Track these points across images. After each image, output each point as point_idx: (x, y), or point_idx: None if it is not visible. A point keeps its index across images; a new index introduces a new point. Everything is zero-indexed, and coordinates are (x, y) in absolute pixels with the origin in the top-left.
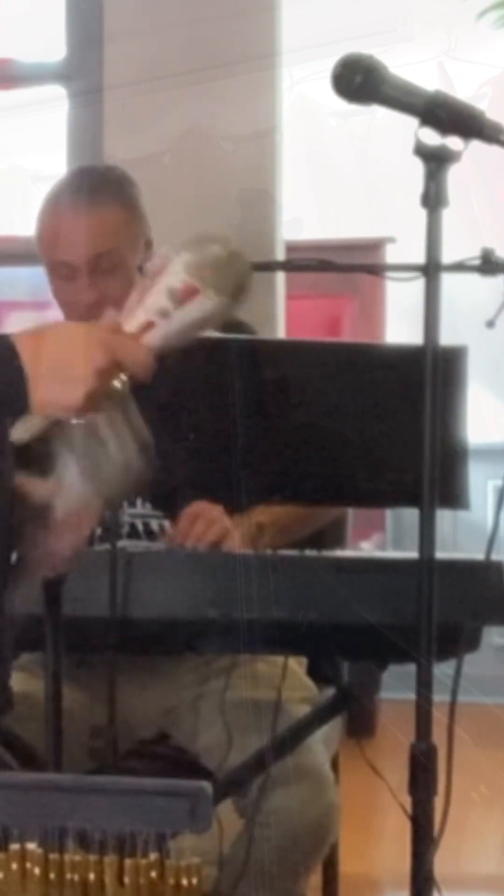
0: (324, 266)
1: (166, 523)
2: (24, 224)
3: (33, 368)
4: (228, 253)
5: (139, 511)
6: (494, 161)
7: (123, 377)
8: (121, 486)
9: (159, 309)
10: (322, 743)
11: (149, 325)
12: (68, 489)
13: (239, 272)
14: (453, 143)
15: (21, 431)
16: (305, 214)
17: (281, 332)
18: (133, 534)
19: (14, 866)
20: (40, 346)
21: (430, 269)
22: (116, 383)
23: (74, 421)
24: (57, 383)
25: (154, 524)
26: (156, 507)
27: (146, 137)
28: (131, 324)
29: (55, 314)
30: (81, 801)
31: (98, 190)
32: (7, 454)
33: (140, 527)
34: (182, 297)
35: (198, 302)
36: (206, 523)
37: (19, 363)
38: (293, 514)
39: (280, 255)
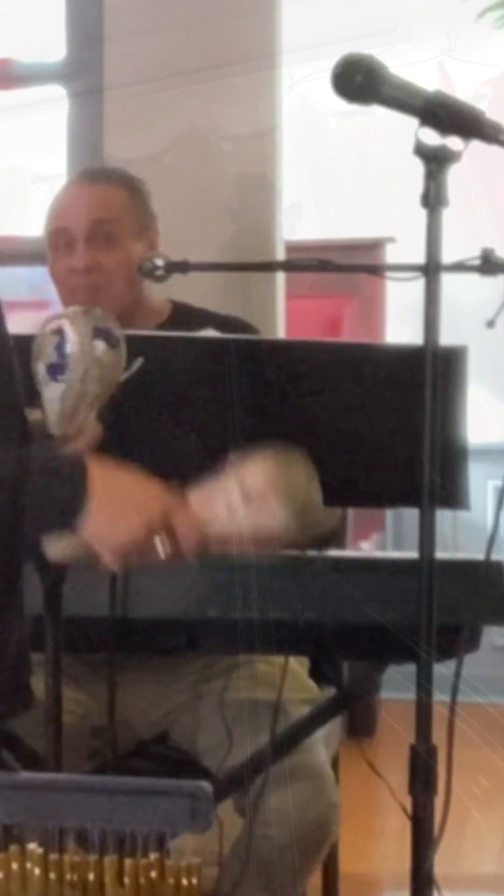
0: (324, 266)
1: None
2: (24, 224)
3: (95, 499)
4: (308, 476)
5: None
6: (494, 161)
7: (167, 545)
8: (90, 373)
9: (229, 504)
10: (322, 743)
11: (214, 517)
12: None
13: (310, 497)
14: (453, 143)
15: (55, 548)
16: (306, 214)
17: (281, 332)
18: None
19: (14, 866)
20: (110, 483)
21: (430, 269)
22: (159, 546)
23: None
24: (108, 522)
25: None
26: None
27: (146, 137)
28: (200, 503)
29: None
30: (81, 801)
31: (106, 173)
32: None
33: None
34: (254, 500)
35: (272, 516)
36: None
37: (85, 486)
38: None
39: (280, 256)
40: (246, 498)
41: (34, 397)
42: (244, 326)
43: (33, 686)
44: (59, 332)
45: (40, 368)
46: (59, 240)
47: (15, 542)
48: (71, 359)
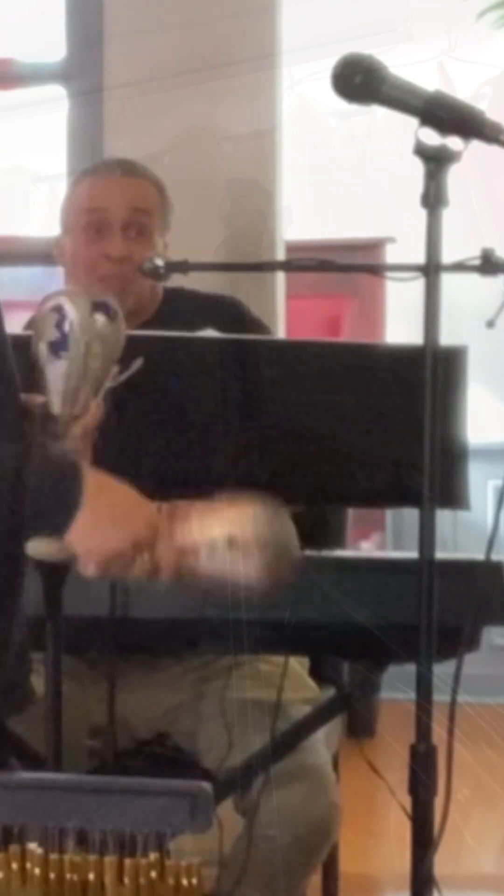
0: (324, 266)
1: None
2: (24, 224)
3: (87, 503)
4: (292, 542)
5: None
6: (494, 161)
7: (147, 563)
8: (92, 347)
9: (212, 543)
10: (322, 743)
11: (195, 551)
12: None
13: (291, 558)
14: (453, 143)
15: (37, 547)
16: (306, 214)
17: (281, 332)
18: None
19: (14, 866)
20: (103, 492)
21: (430, 269)
22: (138, 563)
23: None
24: (94, 529)
25: None
26: None
27: (146, 137)
28: (183, 534)
29: None
30: (81, 801)
31: (140, 168)
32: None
33: None
34: (238, 546)
35: (250, 566)
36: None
37: (79, 491)
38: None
39: (280, 255)
40: (231, 543)
41: (35, 384)
42: (233, 304)
43: (33, 684)
44: (59, 308)
45: (42, 348)
46: (91, 222)
47: (15, 540)
48: (72, 334)
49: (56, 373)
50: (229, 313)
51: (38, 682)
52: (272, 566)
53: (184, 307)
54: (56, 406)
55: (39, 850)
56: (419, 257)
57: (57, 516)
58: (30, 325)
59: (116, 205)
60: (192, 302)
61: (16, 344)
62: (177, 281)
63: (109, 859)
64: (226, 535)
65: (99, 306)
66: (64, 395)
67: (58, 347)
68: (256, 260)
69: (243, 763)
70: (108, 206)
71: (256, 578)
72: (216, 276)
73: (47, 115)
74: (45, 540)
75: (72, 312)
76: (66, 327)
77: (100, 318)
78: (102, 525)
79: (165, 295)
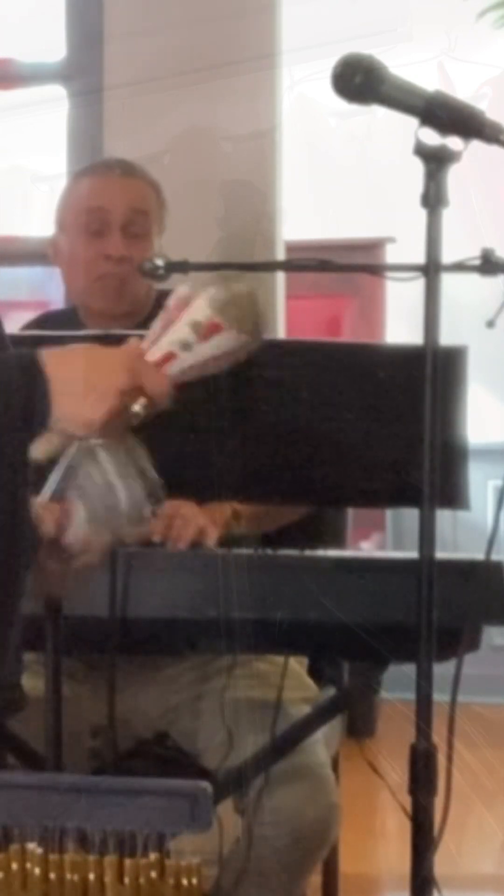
0: (324, 266)
1: None
2: (24, 224)
3: (57, 384)
4: (251, 293)
5: None
6: (494, 161)
7: (143, 402)
8: (127, 532)
9: (182, 341)
10: (322, 743)
11: (171, 356)
12: (75, 529)
13: (259, 312)
14: (453, 143)
15: (39, 450)
16: (306, 215)
17: (281, 332)
18: None
19: (14, 866)
20: (66, 363)
21: (430, 269)
22: (136, 407)
23: (93, 441)
24: (78, 399)
25: None
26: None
27: (146, 137)
28: (154, 353)
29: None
30: (81, 801)
31: (136, 168)
32: (27, 474)
33: None
34: (206, 332)
35: (221, 338)
36: (182, 523)
37: (44, 377)
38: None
39: (280, 255)
40: (196, 331)
41: None
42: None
43: (33, 685)
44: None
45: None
46: (90, 222)
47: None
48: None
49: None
50: None
51: (39, 683)
52: (252, 332)
53: None
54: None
55: (39, 850)
56: (419, 257)
57: (35, 409)
58: (29, 326)
59: (116, 205)
60: None
61: (15, 344)
62: (176, 281)
63: (109, 859)
64: (191, 329)
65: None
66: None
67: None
68: (256, 260)
69: (243, 763)
70: (108, 206)
71: (241, 348)
72: (216, 276)
73: (47, 115)
74: (41, 439)
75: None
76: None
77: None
78: (82, 392)
79: (159, 295)
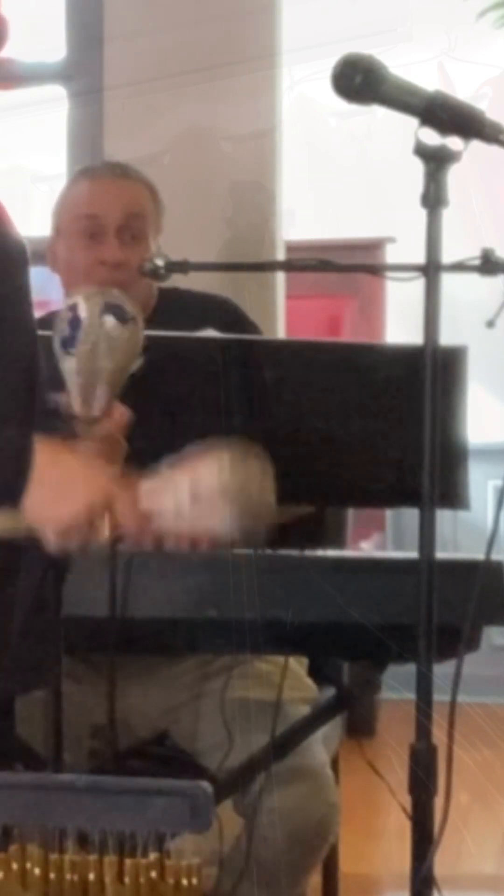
0: (324, 266)
1: None
2: (24, 224)
3: (38, 475)
4: (264, 471)
5: None
6: (494, 161)
7: (112, 530)
8: (98, 346)
9: (178, 506)
10: (322, 743)
11: (160, 513)
12: None
13: (265, 497)
14: (453, 143)
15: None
16: (306, 214)
17: (281, 332)
18: None
19: (14, 866)
20: (54, 460)
21: (430, 269)
22: (104, 530)
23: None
24: (49, 498)
25: None
26: None
27: (146, 137)
28: (147, 497)
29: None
30: (81, 801)
31: (132, 171)
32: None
33: None
34: (203, 504)
35: (215, 514)
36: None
37: (28, 464)
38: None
39: (280, 255)
40: (195, 498)
41: (60, 383)
42: (226, 304)
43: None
44: (73, 307)
45: (56, 343)
46: (86, 228)
47: None
48: (80, 332)
49: (69, 368)
50: (224, 313)
51: None
52: (245, 518)
53: (179, 307)
54: (76, 405)
55: (39, 850)
56: (419, 257)
57: (10, 491)
58: (49, 321)
59: (110, 210)
60: (187, 302)
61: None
62: (176, 281)
63: (109, 859)
64: (191, 492)
65: (110, 307)
66: (79, 393)
67: (67, 344)
68: (257, 260)
69: (243, 763)
70: (102, 211)
71: (226, 534)
72: (216, 276)
73: (47, 115)
74: (4, 514)
75: (83, 311)
76: (77, 324)
77: (109, 320)
78: (55, 494)
79: (161, 295)
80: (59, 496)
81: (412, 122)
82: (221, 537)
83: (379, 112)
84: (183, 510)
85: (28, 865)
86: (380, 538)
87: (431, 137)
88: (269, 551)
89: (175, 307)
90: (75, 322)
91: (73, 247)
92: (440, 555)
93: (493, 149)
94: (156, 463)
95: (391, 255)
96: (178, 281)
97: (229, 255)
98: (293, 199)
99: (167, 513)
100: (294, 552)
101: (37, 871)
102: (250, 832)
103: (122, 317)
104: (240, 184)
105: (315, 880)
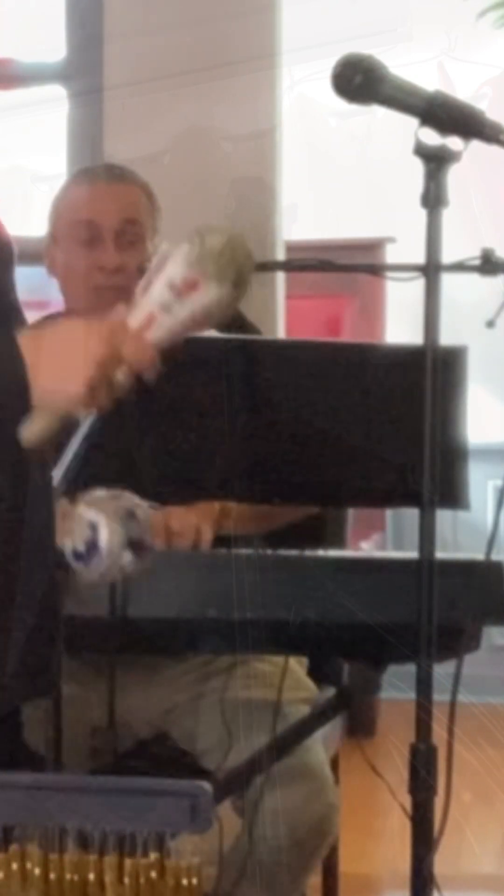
0: (324, 266)
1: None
2: (24, 224)
3: (34, 361)
4: (228, 242)
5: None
6: (494, 161)
7: (126, 370)
8: (107, 576)
9: (161, 303)
10: (322, 743)
11: (151, 319)
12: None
13: (239, 261)
14: (453, 143)
15: (29, 433)
16: (306, 214)
17: (281, 332)
18: None
19: (14, 866)
20: (41, 339)
21: (430, 269)
22: (119, 376)
23: (81, 415)
24: (58, 373)
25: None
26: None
27: (146, 137)
28: (135, 319)
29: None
30: (81, 801)
31: (129, 174)
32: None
33: None
34: (183, 289)
35: (199, 294)
36: (179, 528)
37: (20, 356)
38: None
39: (280, 256)
40: (173, 290)
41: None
42: (245, 325)
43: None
44: (94, 527)
45: (67, 549)
46: (82, 233)
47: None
48: (96, 558)
49: (76, 570)
50: None
51: None
52: (233, 287)
53: None
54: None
55: (39, 850)
56: (419, 257)
57: (16, 391)
58: (33, 328)
59: (106, 215)
60: None
61: None
62: None
63: (109, 859)
64: (168, 287)
65: (131, 543)
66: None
67: (79, 558)
68: (257, 260)
69: (243, 763)
70: (98, 218)
71: (218, 304)
72: (194, 229)
73: (47, 115)
74: (27, 423)
75: (103, 540)
76: (95, 548)
77: (127, 555)
78: (61, 366)
79: None
80: (66, 366)
81: (412, 122)
82: (216, 309)
83: (379, 112)
84: (170, 306)
85: (28, 865)
86: (380, 538)
87: (431, 137)
88: (269, 551)
89: None
90: (92, 547)
91: (70, 252)
92: (440, 555)
93: (493, 149)
94: (155, 464)
95: (391, 255)
96: None
97: None
98: (293, 199)
99: (158, 317)
100: (294, 552)
101: (37, 871)
102: (250, 832)
103: (140, 550)
104: (240, 182)
105: (315, 880)
